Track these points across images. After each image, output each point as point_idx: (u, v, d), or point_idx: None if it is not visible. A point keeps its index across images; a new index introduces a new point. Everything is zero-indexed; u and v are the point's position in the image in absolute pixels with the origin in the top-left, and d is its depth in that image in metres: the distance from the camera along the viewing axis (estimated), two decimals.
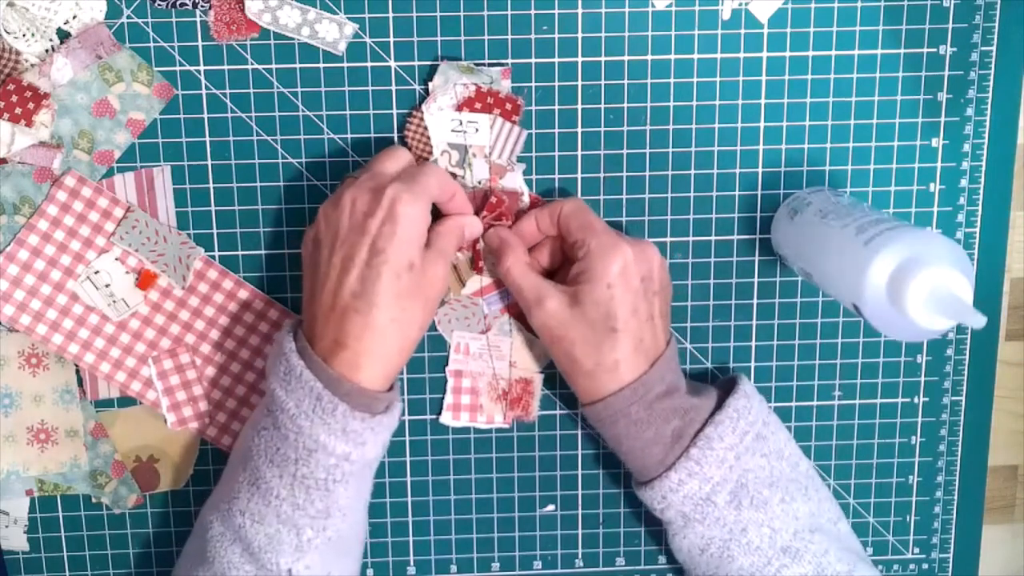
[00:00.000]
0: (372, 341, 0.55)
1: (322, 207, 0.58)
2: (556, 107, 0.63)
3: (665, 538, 0.63)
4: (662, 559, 0.70)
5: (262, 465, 0.56)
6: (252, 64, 0.61)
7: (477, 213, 0.62)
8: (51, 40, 0.60)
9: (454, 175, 0.63)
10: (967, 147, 0.65)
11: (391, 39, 0.62)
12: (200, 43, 0.61)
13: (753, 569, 0.59)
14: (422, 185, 0.57)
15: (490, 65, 0.62)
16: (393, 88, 0.62)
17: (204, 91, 0.62)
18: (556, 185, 0.64)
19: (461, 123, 0.62)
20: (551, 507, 0.69)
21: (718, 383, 0.64)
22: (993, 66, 0.63)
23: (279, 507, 0.55)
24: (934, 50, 0.63)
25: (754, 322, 0.67)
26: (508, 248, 0.61)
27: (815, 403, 0.68)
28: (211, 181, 0.63)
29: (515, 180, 0.63)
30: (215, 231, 0.64)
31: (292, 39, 0.61)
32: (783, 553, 0.58)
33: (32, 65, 0.60)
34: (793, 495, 0.59)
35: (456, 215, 0.61)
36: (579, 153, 0.64)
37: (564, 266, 0.63)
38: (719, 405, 0.60)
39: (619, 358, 0.57)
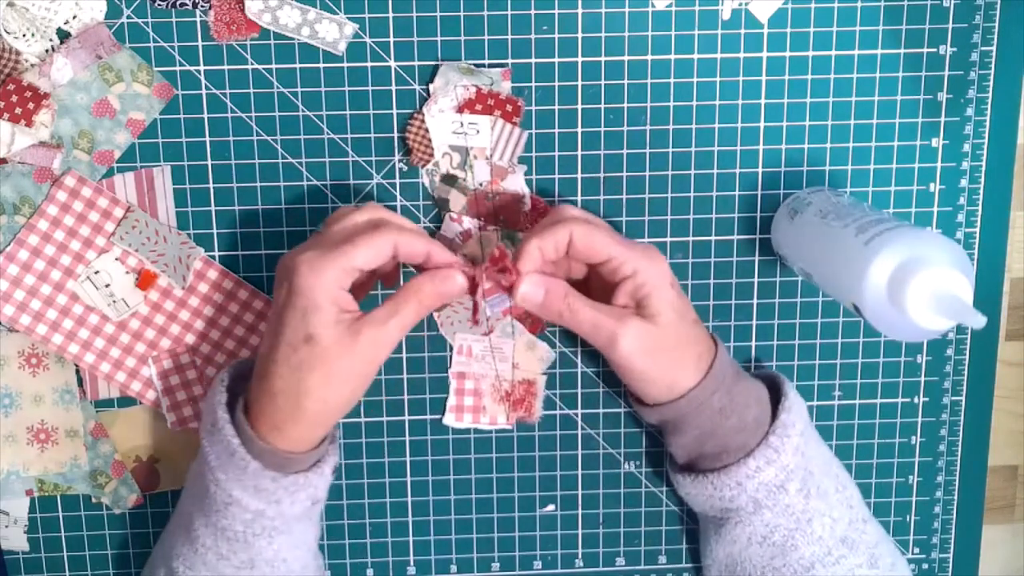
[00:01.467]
0: (275, 407, 0.54)
1: None
2: (556, 107, 0.63)
3: (707, 533, 0.63)
4: (662, 559, 0.70)
5: (193, 511, 0.57)
6: (252, 64, 0.61)
7: (482, 228, 0.62)
8: (51, 40, 0.60)
9: (455, 177, 0.63)
10: (967, 147, 0.65)
11: (391, 39, 0.62)
12: (200, 43, 0.61)
13: (814, 559, 0.59)
14: (336, 255, 0.53)
15: (490, 66, 0.62)
16: (393, 88, 0.62)
17: (204, 91, 0.62)
18: (556, 185, 0.64)
19: (462, 125, 0.62)
20: (551, 507, 0.69)
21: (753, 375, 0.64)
22: (993, 66, 0.63)
23: (205, 555, 0.57)
24: (934, 50, 0.63)
25: (754, 322, 0.67)
26: (562, 292, 0.56)
27: (815, 403, 0.68)
28: (211, 181, 0.63)
29: (516, 182, 0.63)
30: (215, 231, 0.64)
31: (292, 39, 0.61)
32: (842, 543, 0.59)
33: (32, 65, 0.60)
34: (844, 484, 0.61)
35: (424, 276, 0.56)
36: (579, 153, 0.64)
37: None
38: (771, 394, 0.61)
39: (701, 350, 0.58)
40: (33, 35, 0.60)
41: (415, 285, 0.55)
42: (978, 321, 0.47)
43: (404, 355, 0.66)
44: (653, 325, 0.56)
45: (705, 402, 0.58)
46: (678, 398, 0.58)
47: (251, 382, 0.56)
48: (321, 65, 0.62)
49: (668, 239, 0.65)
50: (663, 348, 0.57)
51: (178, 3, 0.60)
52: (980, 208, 0.65)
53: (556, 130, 0.63)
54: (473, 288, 0.56)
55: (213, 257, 0.64)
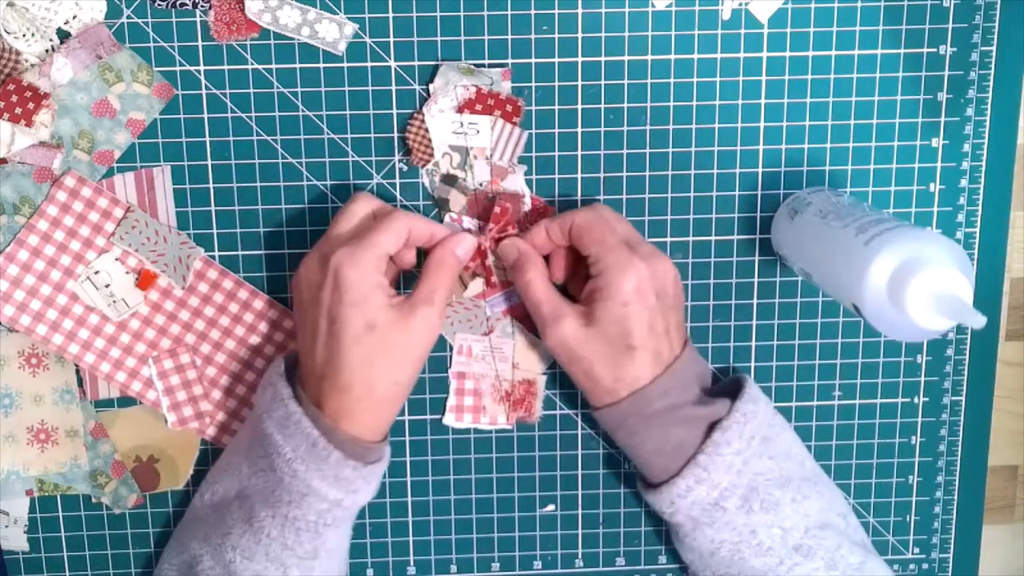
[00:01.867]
0: (350, 400, 0.56)
1: (294, 274, 0.60)
2: (556, 107, 0.63)
3: (673, 538, 0.63)
4: (662, 559, 0.70)
5: (257, 504, 0.57)
6: (252, 64, 0.61)
7: (482, 221, 0.62)
8: (51, 40, 0.60)
9: (455, 177, 0.63)
10: (967, 147, 0.65)
11: (391, 39, 0.62)
12: (200, 43, 0.61)
13: (766, 569, 0.59)
14: (368, 245, 0.56)
15: (490, 66, 0.62)
16: (393, 88, 0.62)
17: (204, 91, 0.62)
18: (556, 185, 0.64)
19: (462, 125, 0.62)
20: (551, 507, 0.69)
21: (721, 385, 0.64)
22: (993, 66, 0.63)
23: (269, 545, 0.57)
24: (934, 50, 0.63)
25: (754, 322, 0.67)
26: (527, 262, 0.61)
27: (815, 403, 0.68)
28: (211, 181, 0.63)
29: (516, 182, 0.63)
30: (215, 231, 0.64)
31: (292, 39, 0.61)
32: (795, 552, 0.58)
33: (32, 65, 0.60)
34: (806, 493, 0.60)
35: (438, 247, 0.60)
36: (579, 153, 0.64)
37: (576, 276, 0.63)
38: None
39: (638, 374, 0.58)
40: (33, 35, 0.60)
41: (437, 257, 0.59)
42: (978, 321, 0.47)
43: None
44: (586, 330, 0.58)
45: (620, 422, 0.59)
46: (598, 408, 0.59)
47: (307, 383, 0.58)
48: (321, 65, 0.62)
49: (668, 239, 0.65)
50: (584, 357, 0.58)
51: (178, 3, 0.60)
52: (980, 208, 0.65)
53: (556, 130, 0.63)
54: (481, 253, 0.62)
55: (213, 257, 0.64)
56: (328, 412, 0.56)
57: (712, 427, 0.58)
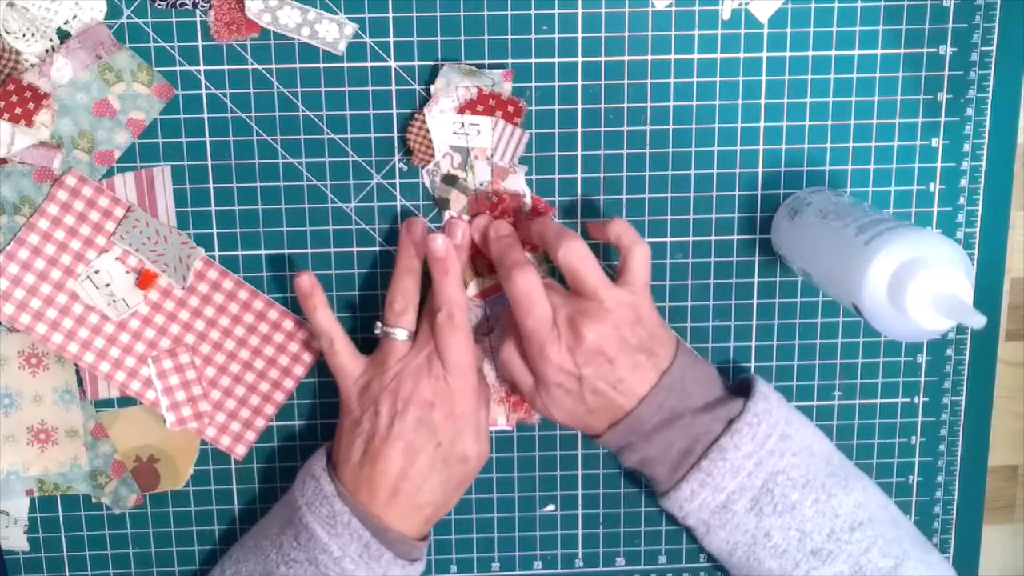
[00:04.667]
0: (409, 509, 0.59)
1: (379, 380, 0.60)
2: (556, 107, 0.63)
3: (695, 539, 0.63)
4: (662, 559, 0.70)
5: None
6: (252, 64, 0.61)
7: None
8: (51, 40, 0.60)
9: (456, 177, 0.63)
10: (967, 147, 0.65)
11: (391, 39, 0.62)
12: (200, 43, 0.61)
13: (781, 572, 0.59)
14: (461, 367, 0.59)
15: (491, 66, 0.62)
16: (393, 88, 0.62)
17: (204, 91, 0.62)
18: (556, 185, 0.64)
19: (463, 125, 0.62)
20: (551, 507, 0.69)
21: (732, 386, 0.64)
22: (993, 66, 0.63)
23: None
24: (934, 50, 0.63)
25: (754, 322, 0.67)
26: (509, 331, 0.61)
27: (815, 403, 0.68)
28: (211, 181, 0.63)
29: (517, 182, 0.63)
30: (215, 231, 0.64)
31: (292, 39, 0.61)
32: (812, 556, 0.58)
33: (32, 65, 0.60)
34: (831, 491, 0.58)
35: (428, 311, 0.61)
36: (579, 153, 0.64)
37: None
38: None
39: (623, 404, 0.59)
40: (33, 35, 0.60)
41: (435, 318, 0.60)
42: (978, 321, 0.47)
43: None
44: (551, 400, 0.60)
45: (624, 444, 0.60)
46: (596, 436, 0.61)
47: (357, 481, 0.59)
48: (321, 65, 0.62)
49: (668, 239, 0.65)
50: (575, 424, 0.61)
51: (178, 3, 0.60)
52: (980, 208, 0.65)
53: (556, 130, 0.63)
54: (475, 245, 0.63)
55: (213, 257, 0.64)
56: (373, 509, 0.58)
57: (723, 431, 0.58)
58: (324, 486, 0.58)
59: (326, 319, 0.61)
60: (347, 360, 0.61)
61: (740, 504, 0.58)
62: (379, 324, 0.61)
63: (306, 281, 0.61)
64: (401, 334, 0.60)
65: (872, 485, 0.62)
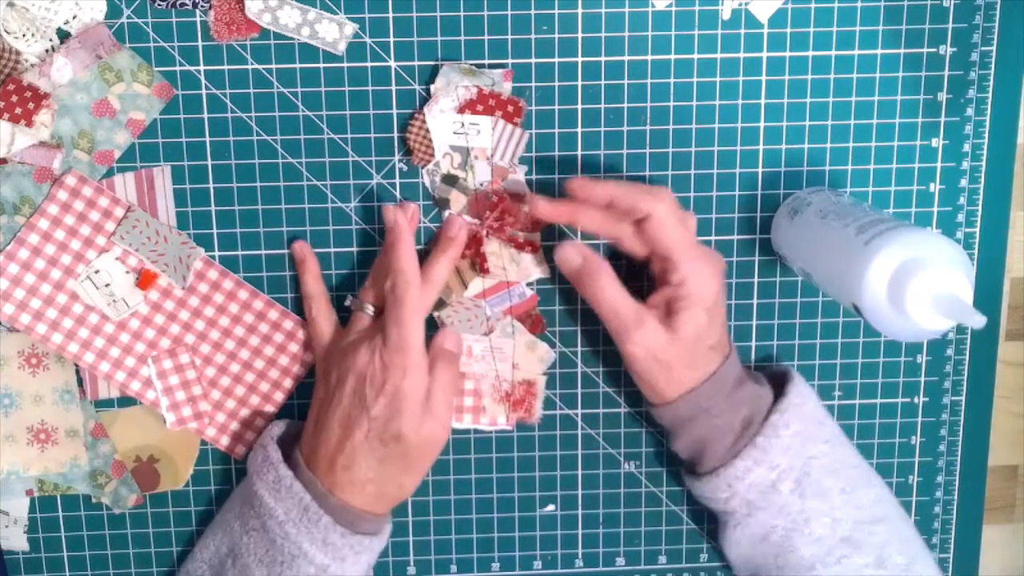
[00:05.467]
0: (363, 486, 0.58)
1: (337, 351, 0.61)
2: (556, 107, 0.63)
3: (720, 531, 0.63)
4: (662, 559, 0.70)
5: (251, 563, 0.59)
6: (252, 64, 0.61)
7: (479, 217, 0.63)
8: (51, 40, 0.60)
9: (456, 177, 0.63)
10: (967, 147, 0.65)
11: (391, 39, 0.62)
12: (200, 43, 0.61)
13: (815, 559, 0.59)
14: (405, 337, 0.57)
15: (491, 66, 0.62)
16: (393, 88, 0.62)
17: (204, 91, 0.62)
18: (556, 185, 0.64)
19: (463, 125, 0.62)
20: (551, 507, 0.69)
21: (766, 373, 0.64)
22: (993, 66, 0.63)
23: None
24: (934, 50, 0.63)
25: (754, 322, 0.67)
26: (596, 268, 0.59)
27: None
28: (211, 181, 0.63)
29: (517, 182, 0.63)
30: (215, 231, 0.63)
31: (292, 39, 0.61)
32: (844, 543, 0.59)
33: (32, 65, 0.60)
34: (855, 483, 0.60)
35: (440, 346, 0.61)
36: (579, 153, 0.64)
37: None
38: (778, 394, 0.61)
39: (711, 368, 0.59)
40: (33, 35, 0.60)
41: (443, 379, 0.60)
42: (978, 321, 0.47)
43: None
44: (669, 336, 0.58)
45: (702, 407, 0.59)
46: (674, 400, 0.59)
47: (319, 452, 0.59)
48: (321, 65, 0.62)
49: None
50: (667, 362, 0.58)
51: (178, 3, 0.60)
52: (980, 208, 0.65)
53: (556, 130, 0.63)
54: (478, 241, 0.63)
55: (213, 257, 0.64)
56: (330, 478, 0.58)
57: (771, 409, 0.59)
58: (271, 453, 0.60)
59: (313, 285, 0.63)
60: (323, 327, 0.62)
61: (786, 484, 0.59)
62: (351, 296, 0.62)
63: (298, 249, 0.63)
64: (368, 309, 0.61)
65: (885, 485, 0.63)
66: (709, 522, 0.69)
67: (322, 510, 0.57)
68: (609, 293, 0.59)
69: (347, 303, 0.62)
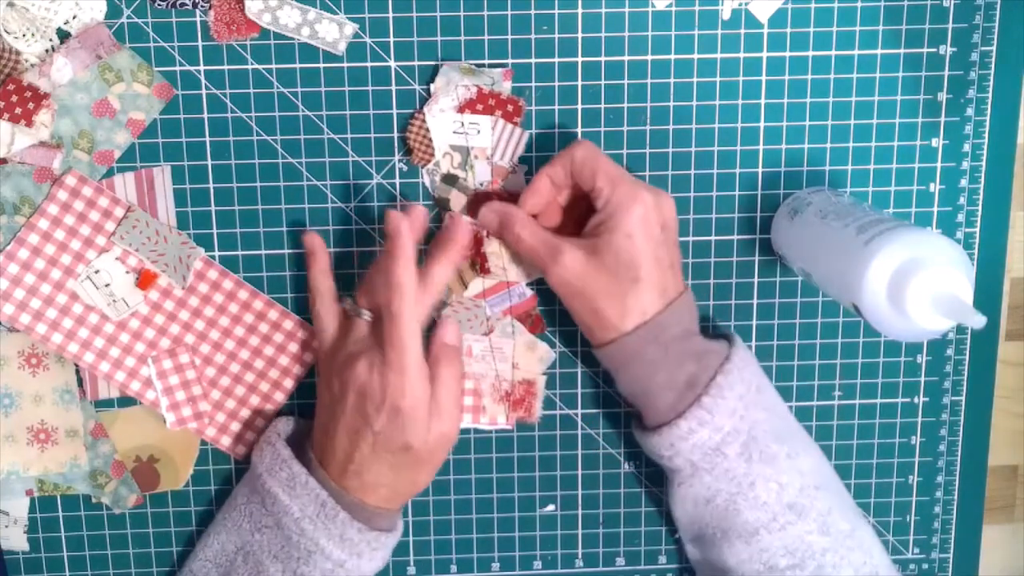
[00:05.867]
0: (370, 491, 0.59)
1: (335, 360, 0.60)
2: (556, 107, 0.63)
3: (667, 489, 0.62)
4: (662, 559, 0.70)
5: (265, 559, 0.59)
6: (252, 64, 0.61)
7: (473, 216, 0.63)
8: (51, 40, 0.60)
9: (456, 177, 0.63)
10: (967, 147, 0.65)
11: (391, 39, 0.62)
12: (200, 43, 0.61)
13: (758, 524, 0.58)
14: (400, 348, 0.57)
15: (491, 66, 0.62)
16: (393, 88, 0.62)
17: (204, 91, 0.62)
18: None
19: (463, 125, 0.62)
20: (551, 507, 0.69)
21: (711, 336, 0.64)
22: (993, 66, 0.63)
23: None
24: (934, 50, 0.63)
25: (754, 322, 0.67)
26: (510, 217, 0.60)
27: (815, 403, 0.68)
28: (211, 181, 0.63)
29: (517, 182, 0.63)
30: (215, 231, 0.63)
31: (292, 39, 0.61)
32: (789, 509, 0.58)
33: (32, 65, 0.60)
34: (797, 450, 0.59)
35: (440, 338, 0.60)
36: None
37: (567, 224, 0.62)
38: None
39: (645, 307, 0.57)
40: (33, 35, 0.60)
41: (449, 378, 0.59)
42: (978, 321, 0.47)
43: None
44: (588, 262, 0.57)
45: (636, 353, 0.58)
46: (610, 341, 0.58)
47: (326, 455, 0.59)
48: (321, 65, 0.62)
49: None
50: (589, 293, 0.57)
51: (178, 3, 0.60)
52: (980, 208, 0.65)
53: (556, 130, 0.63)
54: (479, 241, 0.63)
55: (213, 257, 0.64)
56: (346, 488, 0.58)
57: (717, 370, 0.58)
58: (281, 451, 0.60)
59: (320, 280, 0.62)
60: (327, 324, 0.61)
61: (732, 448, 0.58)
62: (348, 300, 0.61)
63: (308, 240, 0.62)
64: (365, 315, 0.60)
65: (822, 452, 0.63)
66: None
67: (339, 506, 0.57)
68: (526, 234, 0.59)
69: (343, 305, 0.61)
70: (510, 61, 0.62)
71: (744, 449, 0.58)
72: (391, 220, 0.58)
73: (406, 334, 0.56)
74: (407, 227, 0.57)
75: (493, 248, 0.63)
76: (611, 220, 0.57)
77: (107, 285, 0.63)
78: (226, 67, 0.61)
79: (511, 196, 0.63)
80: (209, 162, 0.62)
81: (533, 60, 0.62)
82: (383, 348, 0.56)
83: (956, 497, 0.70)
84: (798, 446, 0.60)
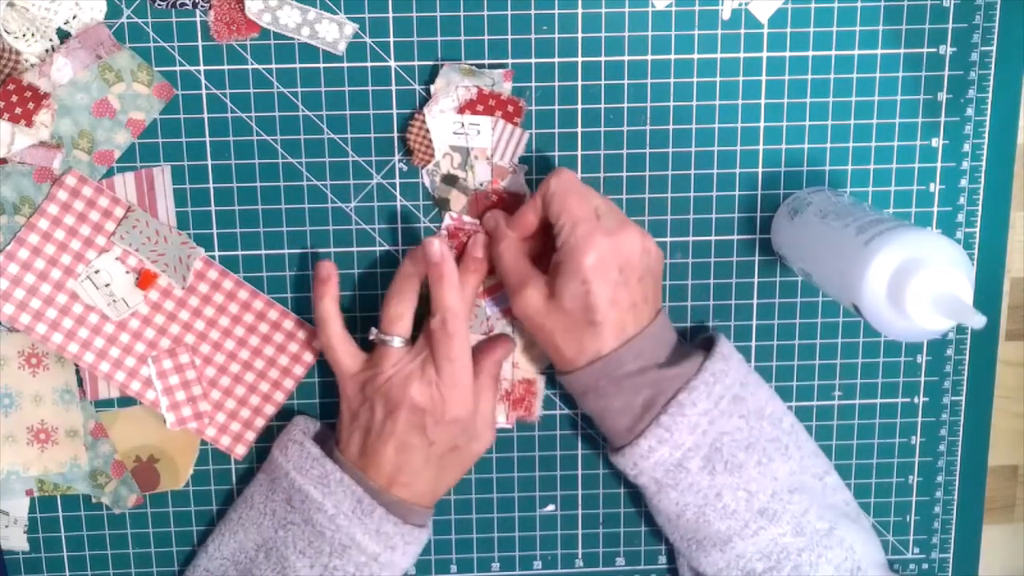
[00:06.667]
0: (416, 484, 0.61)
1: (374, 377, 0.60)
2: (556, 107, 0.63)
3: (645, 502, 0.63)
4: (662, 559, 0.70)
5: (291, 555, 0.60)
6: (252, 64, 0.61)
7: (479, 217, 0.63)
8: (51, 40, 0.60)
9: (456, 177, 0.63)
10: (967, 147, 0.65)
11: (391, 39, 0.62)
12: (200, 43, 0.61)
13: (731, 532, 0.59)
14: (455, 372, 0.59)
15: (491, 67, 0.62)
16: (393, 88, 0.62)
17: (204, 91, 0.62)
18: None
19: (463, 125, 0.62)
20: (551, 507, 0.69)
21: (697, 342, 0.64)
22: (993, 66, 0.63)
23: None
24: (934, 50, 0.63)
25: (754, 322, 0.67)
26: (498, 233, 0.61)
27: (815, 403, 0.68)
28: (211, 181, 0.63)
29: (517, 182, 0.63)
30: (215, 231, 0.64)
31: (292, 39, 0.61)
32: (760, 515, 0.59)
33: (32, 65, 0.60)
34: (771, 455, 0.59)
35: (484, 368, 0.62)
36: (579, 153, 0.64)
37: (547, 251, 0.62)
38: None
39: (600, 347, 0.58)
40: (33, 35, 0.60)
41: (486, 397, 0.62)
42: (978, 321, 0.47)
43: None
44: (548, 302, 0.58)
45: (590, 385, 0.59)
46: (567, 372, 0.60)
47: (370, 458, 0.60)
48: (321, 65, 0.62)
49: (668, 239, 0.65)
50: (547, 329, 0.59)
51: (178, 3, 0.60)
52: (980, 208, 0.65)
53: (556, 130, 0.63)
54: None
55: (213, 257, 0.64)
56: (378, 480, 0.60)
57: (680, 388, 0.58)
58: (310, 448, 0.61)
59: (329, 310, 0.61)
60: (344, 355, 0.61)
61: (694, 463, 0.58)
62: (374, 330, 0.61)
63: (323, 269, 0.62)
64: (396, 342, 0.60)
65: (816, 453, 0.63)
66: None
67: (375, 502, 0.59)
68: (505, 256, 0.60)
69: (371, 337, 0.61)
70: (510, 61, 0.62)
71: (706, 462, 0.58)
72: (431, 247, 0.59)
73: (461, 351, 0.59)
74: (448, 251, 0.59)
75: None
76: (566, 264, 0.57)
77: (107, 285, 0.63)
78: (226, 67, 0.61)
79: (511, 196, 0.63)
80: (209, 162, 0.62)
81: (533, 60, 0.62)
82: (437, 365, 0.58)
83: (956, 497, 0.70)
84: (775, 451, 0.60)
